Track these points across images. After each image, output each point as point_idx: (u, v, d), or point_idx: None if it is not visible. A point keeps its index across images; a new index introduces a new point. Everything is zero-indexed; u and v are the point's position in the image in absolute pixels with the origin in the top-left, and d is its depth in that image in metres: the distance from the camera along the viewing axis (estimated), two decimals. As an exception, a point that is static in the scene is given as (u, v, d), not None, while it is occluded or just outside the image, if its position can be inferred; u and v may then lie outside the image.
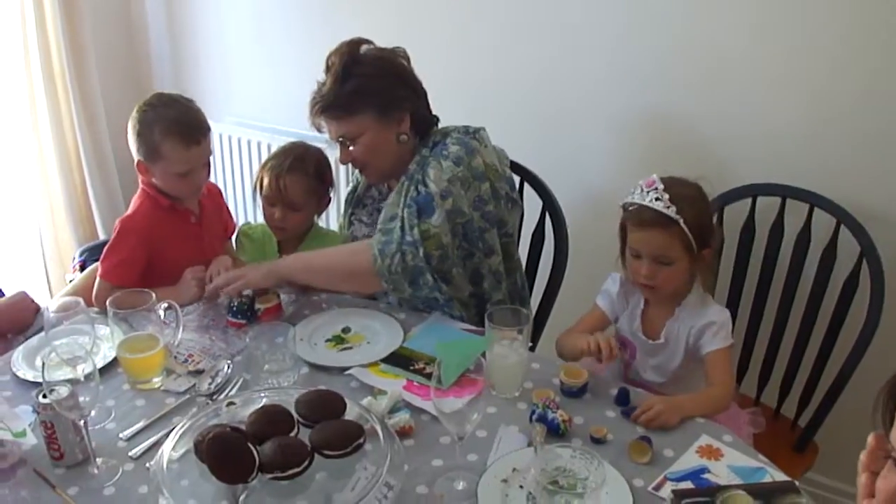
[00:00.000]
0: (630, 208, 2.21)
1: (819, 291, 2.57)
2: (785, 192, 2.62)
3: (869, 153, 2.58)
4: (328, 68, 2.49)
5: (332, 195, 2.85)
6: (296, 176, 2.68)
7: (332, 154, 2.78)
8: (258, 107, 4.17)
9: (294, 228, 2.73)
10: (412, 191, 2.42)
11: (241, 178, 4.20)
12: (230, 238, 2.93)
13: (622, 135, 3.05)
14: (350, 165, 2.61)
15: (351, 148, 2.50)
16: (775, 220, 2.65)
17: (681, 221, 2.12)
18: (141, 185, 2.64)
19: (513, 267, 2.66)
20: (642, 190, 2.17)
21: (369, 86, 2.45)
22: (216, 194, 2.89)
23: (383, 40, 2.56)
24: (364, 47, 2.51)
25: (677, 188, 2.15)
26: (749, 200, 2.67)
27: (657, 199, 2.13)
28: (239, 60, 4.22)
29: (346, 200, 2.84)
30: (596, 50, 2.99)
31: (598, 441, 1.89)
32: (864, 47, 2.49)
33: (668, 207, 2.11)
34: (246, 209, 4.22)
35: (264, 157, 3.90)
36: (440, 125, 2.63)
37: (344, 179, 3.46)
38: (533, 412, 1.92)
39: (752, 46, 2.67)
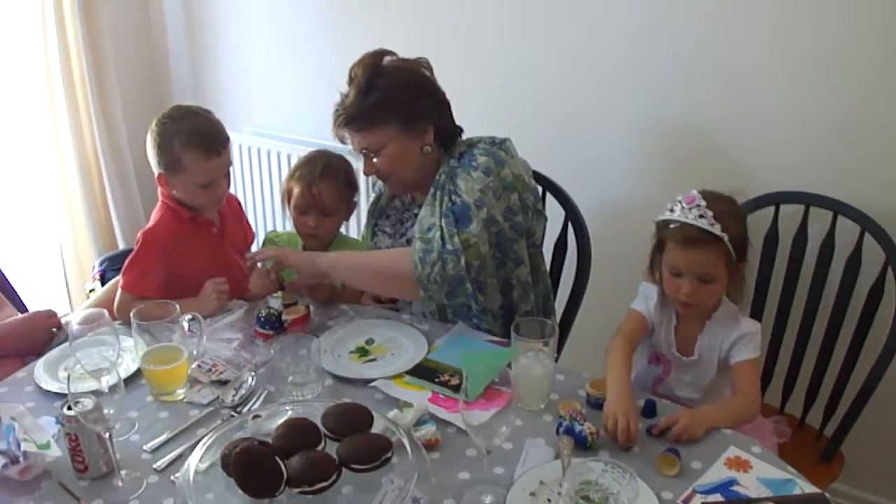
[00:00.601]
0: (671, 226, 2.15)
1: (843, 300, 2.55)
2: (808, 200, 2.60)
3: (893, 160, 2.56)
4: (351, 80, 2.48)
5: (357, 199, 2.84)
6: (328, 182, 2.68)
7: (355, 161, 2.78)
8: (277, 117, 4.16)
9: (327, 235, 2.74)
10: (446, 201, 2.40)
11: (260, 188, 4.20)
12: (250, 247, 2.93)
13: (642, 141, 3.04)
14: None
15: (374, 160, 2.49)
16: (798, 229, 2.63)
17: (725, 238, 2.08)
18: (161, 198, 2.64)
19: (539, 277, 2.65)
20: (683, 207, 2.12)
21: (392, 98, 2.44)
22: (235, 205, 2.89)
23: (402, 50, 2.55)
24: (387, 59, 2.50)
25: (719, 204, 2.11)
26: (772, 208, 2.66)
27: (701, 216, 2.08)
28: (258, 70, 4.22)
29: (368, 212, 2.83)
30: (616, 56, 2.99)
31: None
32: (888, 52, 2.48)
33: (713, 225, 2.07)
34: (265, 219, 4.23)
35: (283, 167, 3.92)
36: (463, 136, 2.61)
37: (365, 186, 3.47)
38: (560, 424, 1.90)
39: (773, 52, 2.66)
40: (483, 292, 2.47)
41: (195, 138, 2.50)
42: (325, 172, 2.69)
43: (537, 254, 2.64)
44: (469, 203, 2.37)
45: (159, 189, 2.64)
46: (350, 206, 2.79)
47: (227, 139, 2.60)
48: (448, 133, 2.57)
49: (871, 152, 2.59)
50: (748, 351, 2.18)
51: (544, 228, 2.69)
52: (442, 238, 2.35)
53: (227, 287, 2.55)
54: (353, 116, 2.45)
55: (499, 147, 2.51)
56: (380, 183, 2.77)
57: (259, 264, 2.59)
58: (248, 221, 2.97)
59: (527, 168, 2.61)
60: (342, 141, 2.54)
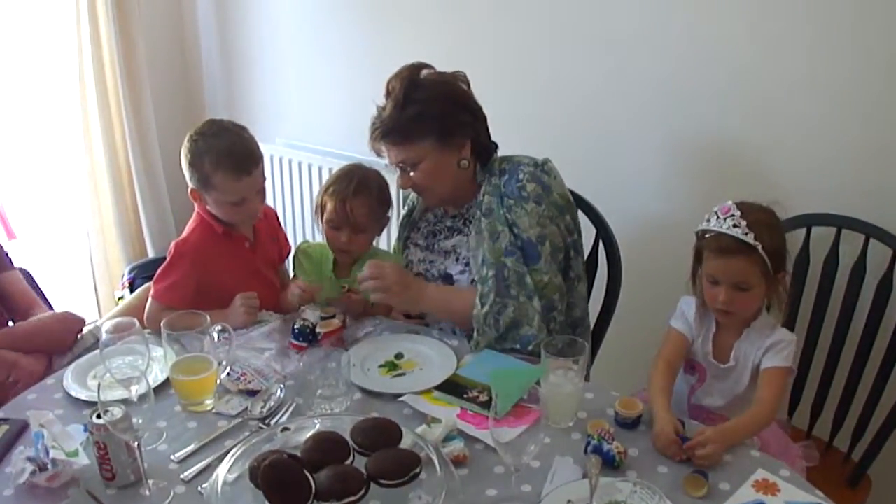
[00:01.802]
0: (707, 235, 2.18)
1: (874, 324, 2.53)
2: (840, 223, 2.58)
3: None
4: (388, 93, 2.49)
5: (390, 215, 2.84)
6: (361, 199, 2.65)
7: (390, 176, 2.78)
8: (310, 129, 4.19)
9: (359, 250, 2.73)
10: (508, 236, 2.42)
11: (291, 200, 4.21)
12: (284, 261, 2.95)
13: (674, 160, 3.03)
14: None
15: (411, 173, 2.50)
16: (830, 251, 2.61)
17: (759, 247, 2.09)
18: (196, 209, 2.66)
19: (584, 285, 2.68)
20: (718, 217, 2.15)
21: (429, 112, 2.44)
22: (272, 218, 2.91)
23: (435, 63, 2.55)
24: (424, 72, 2.50)
25: (754, 214, 2.13)
26: (804, 231, 2.64)
27: (735, 225, 2.11)
28: (291, 82, 4.25)
29: (401, 224, 2.83)
30: (649, 74, 2.99)
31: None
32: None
33: (747, 234, 2.09)
34: (296, 229, 4.24)
35: (315, 178, 3.93)
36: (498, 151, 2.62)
37: (398, 200, 3.48)
38: (588, 443, 1.90)
39: (809, 74, 2.65)
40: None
41: (224, 158, 2.50)
42: (358, 189, 2.67)
43: (585, 282, 2.68)
44: (533, 238, 2.40)
45: (196, 204, 2.67)
46: (383, 222, 2.78)
47: (259, 158, 2.61)
48: (484, 148, 2.57)
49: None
50: (779, 359, 2.17)
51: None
52: (506, 279, 2.39)
53: (256, 302, 2.56)
54: (390, 130, 2.46)
55: (542, 170, 2.52)
56: (412, 195, 2.78)
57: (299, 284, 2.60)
58: (284, 236, 2.97)
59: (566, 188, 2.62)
60: (378, 154, 2.55)
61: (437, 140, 2.45)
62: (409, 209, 2.83)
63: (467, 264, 2.54)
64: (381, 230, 2.80)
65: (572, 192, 2.72)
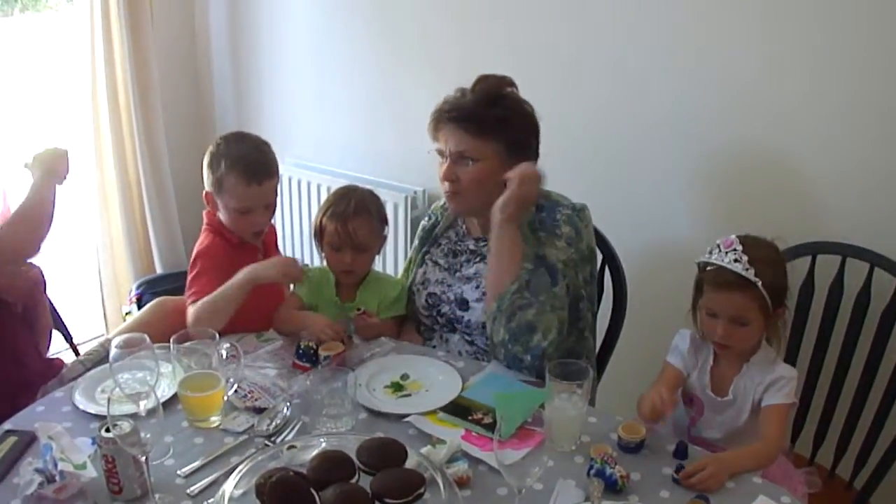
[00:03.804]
0: (708, 268, 2.20)
1: (878, 352, 2.54)
2: (845, 251, 2.60)
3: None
4: (473, 89, 2.49)
5: (387, 233, 2.85)
6: (362, 218, 2.67)
7: (383, 196, 2.79)
8: (319, 149, 4.22)
9: (361, 270, 2.74)
10: (536, 249, 2.45)
11: (299, 220, 4.25)
12: None
13: (681, 185, 3.05)
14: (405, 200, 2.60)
15: (461, 168, 2.48)
16: (835, 279, 2.62)
17: (759, 284, 2.11)
18: (206, 222, 2.71)
19: (591, 335, 2.68)
20: (720, 250, 2.16)
21: (512, 120, 2.46)
22: (271, 233, 2.93)
23: (445, 87, 2.56)
24: (509, 88, 2.53)
25: (756, 250, 2.14)
26: (808, 258, 2.65)
27: (736, 260, 2.12)
28: (301, 102, 4.28)
29: (420, 238, 2.82)
30: (657, 99, 3.02)
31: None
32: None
33: (747, 270, 2.10)
34: (303, 250, 4.26)
35: (322, 198, 3.93)
36: None
37: (393, 218, 3.51)
38: (591, 467, 1.90)
39: (812, 105, 2.67)
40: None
41: (238, 162, 2.57)
42: (358, 209, 2.68)
43: (593, 319, 2.67)
44: (557, 265, 2.42)
45: (205, 214, 2.71)
46: (382, 240, 2.80)
47: (274, 172, 2.66)
48: None
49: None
50: (780, 396, 2.18)
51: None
52: (533, 282, 2.39)
53: (296, 271, 2.63)
54: (471, 117, 2.44)
55: (578, 216, 2.53)
56: (436, 210, 2.80)
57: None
58: (278, 250, 3.01)
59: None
60: (435, 139, 2.53)
61: (504, 149, 2.45)
62: (431, 223, 2.81)
63: (485, 293, 2.52)
64: (381, 248, 2.81)
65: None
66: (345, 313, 2.66)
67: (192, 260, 2.67)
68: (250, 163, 2.59)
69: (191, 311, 2.57)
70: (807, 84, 2.68)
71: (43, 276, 2.99)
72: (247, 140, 2.67)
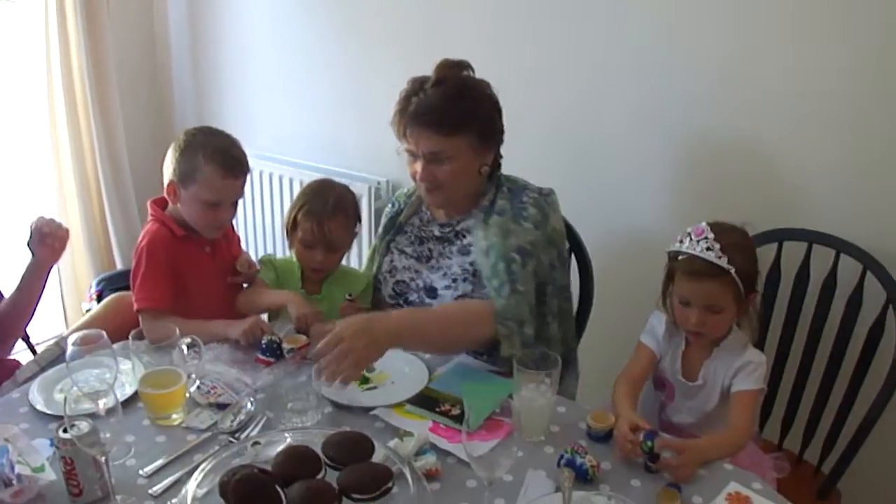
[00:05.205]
0: (680, 258, 2.19)
1: (844, 338, 2.55)
2: (812, 238, 2.60)
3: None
4: (437, 82, 2.41)
5: (359, 230, 2.83)
6: (339, 219, 2.65)
7: (356, 189, 2.76)
8: (279, 140, 4.20)
9: (331, 267, 2.72)
10: (510, 239, 2.41)
11: (261, 211, 4.23)
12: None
13: (647, 176, 3.04)
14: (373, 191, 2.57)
15: (436, 167, 2.42)
16: (801, 265, 2.63)
17: (732, 271, 2.11)
18: (151, 216, 2.66)
19: (567, 327, 2.65)
20: (692, 239, 2.16)
21: (480, 111, 2.42)
22: (234, 238, 2.90)
23: (410, 74, 2.51)
24: (467, 72, 2.48)
25: (727, 236, 2.14)
26: (775, 245, 2.65)
27: (708, 248, 2.12)
28: (261, 94, 4.26)
29: (384, 226, 2.78)
30: (625, 87, 3.01)
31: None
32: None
33: (720, 258, 2.10)
34: (265, 242, 4.24)
35: (285, 190, 3.93)
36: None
37: (367, 214, 3.49)
38: (561, 457, 1.88)
39: (780, 94, 2.67)
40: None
41: (219, 154, 2.54)
42: (336, 209, 2.66)
43: (569, 307, 2.65)
44: (524, 247, 2.39)
45: (150, 205, 2.67)
46: (354, 237, 2.78)
47: (247, 170, 2.64)
48: (496, 161, 2.56)
49: (878, 193, 2.59)
50: (749, 381, 2.18)
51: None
52: (515, 272, 2.37)
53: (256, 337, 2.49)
54: (442, 119, 2.37)
55: (545, 200, 2.51)
56: (399, 197, 2.76)
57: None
58: (239, 241, 2.94)
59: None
60: (403, 139, 2.45)
61: (476, 140, 2.41)
62: (394, 211, 2.76)
63: (454, 280, 2.51)
64: (352, 244, 2.79)
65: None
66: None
67: (136, 253, 2.62)
68: (229, 157, 2.57)
69: (142, 320, 2.53)
70: (777, 74, 2.67)
71: None
72: (222, 134, 2.64)
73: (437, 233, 2.61)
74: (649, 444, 1.89)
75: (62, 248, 2.65)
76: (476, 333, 2.39)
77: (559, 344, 2.57)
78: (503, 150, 2.56)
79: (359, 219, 2.77)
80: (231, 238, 2.87)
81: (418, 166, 2.44)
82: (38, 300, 2.73)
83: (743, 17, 2.70)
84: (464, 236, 2.54)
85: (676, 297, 2.23)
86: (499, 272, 2.38)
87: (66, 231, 2.66)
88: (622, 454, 1.94)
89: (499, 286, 2.38)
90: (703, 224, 2.16)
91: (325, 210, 2.64)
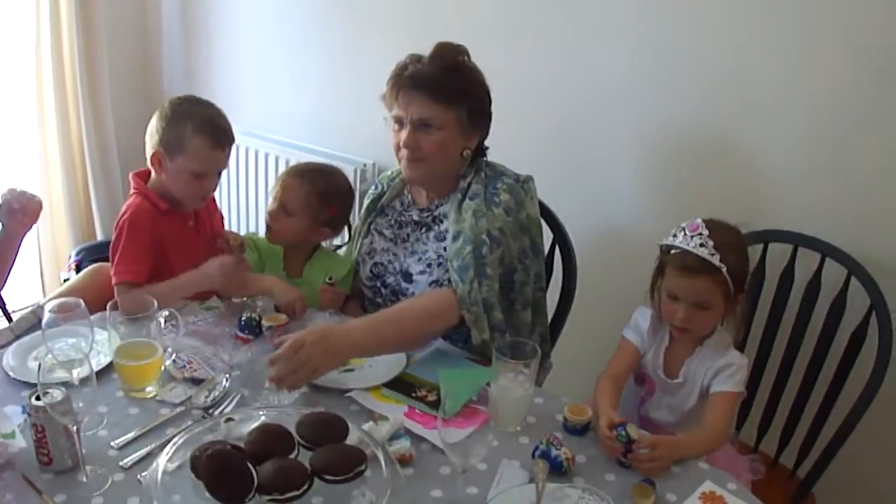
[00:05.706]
0: (672, 252, 2.19)
1: (826, 341, 2.54)
2: (798, 241, 2.60)
3: (884, 207, 2.56)
4: (433, 56, 2.43)
5: (331, 233, 2.80)
6: (300, 181, 2.66)
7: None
8: (269, 119, 4.18)
9: (280, 233, 2.70)
10: (482, 223, 2.39)
11: (245, 189, 4.20)
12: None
13: (634, 168, 3.04)
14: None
15: (423, 135, 2.41)
16: (786, 268, 2.62)
17: (724, 269, 2.11)
18: (134, 189, 2.62)
19: (540, 321, 2.64)
20: (686, 234, 2.16)
21: (473, 88, 2.44)
22: (210, 200, 2.85)
23: (399, 58, 2.50)
24: (463, 58, 2.49)
25: (721, 234, 2.15)
26: (760, 246, 2.65)
27: (701, 245, 2.12)
28: (251, 71, 4.24)
29: (366, 208, 2.76)
30: (610, 78, 2.99)
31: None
32: (887, 103, 2.47)
33: (713, 255, 2.11)
34: (249, 220, 4.21)
35: (271, 168, 3.93)
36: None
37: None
38: (536, 448, 1.88)
39: (768, 93, 2.66)
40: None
41: (207, 125, 2.52)
42: (304, 172, 2.71)
43: (542, 297, 2.63)
44: (494, 234, 2.38)
45: (132, 178, 2.63)
46: (317, 219, 2.71)
47: (233, 140, 2.62)
48: (480, 148, 2.55)
49: (865, 198, 2.58)
50: (729, 383, 2.18)
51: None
52: (483, 256, 2.36)
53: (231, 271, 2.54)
54: (434, 84, 2.37)
55: (522, 187, 2.50)
56: (383, 179, 2.76)
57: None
58: (221, 217, 2.92)
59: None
60: (392, 105, 2.45)
61: (465, 117, 2.41)
62: (377, 193, 2.75)
63: (429, 265, 2.50)
64: (315, 228, 2.73)
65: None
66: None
67: (117, 226, 2.57)
68: (217, 128, 2.54)
69: (118, 292, 2.48)
70: (764, 71, 2.66)
71: None
72: (207, 104, 2.61)
73: (415, 217, 2.60)
74: (623, 432, 1.88)
75: (33, 221, 2.61)
76: (442, 325, 2.39)
77: (531, 332, 2.57)
78: (488, 140, 2.56)
79: (325, 206, 2.70)
80: (213, 212, 2.84)
81: (404, 134, 2.43)
82: (11, 267, 2.69)
83: (732, 18, 2.69)
84: (441, 222, 2.53)
85: (665, 291, 2.23)
86: (464, 255, 2.37)
87: (39, 203, 2.60)
88: (608, 452, 1.94)
89: (461, 270, 2.36)
90: (699, 220, 2.17)
91: (297, 169, 2.71)
